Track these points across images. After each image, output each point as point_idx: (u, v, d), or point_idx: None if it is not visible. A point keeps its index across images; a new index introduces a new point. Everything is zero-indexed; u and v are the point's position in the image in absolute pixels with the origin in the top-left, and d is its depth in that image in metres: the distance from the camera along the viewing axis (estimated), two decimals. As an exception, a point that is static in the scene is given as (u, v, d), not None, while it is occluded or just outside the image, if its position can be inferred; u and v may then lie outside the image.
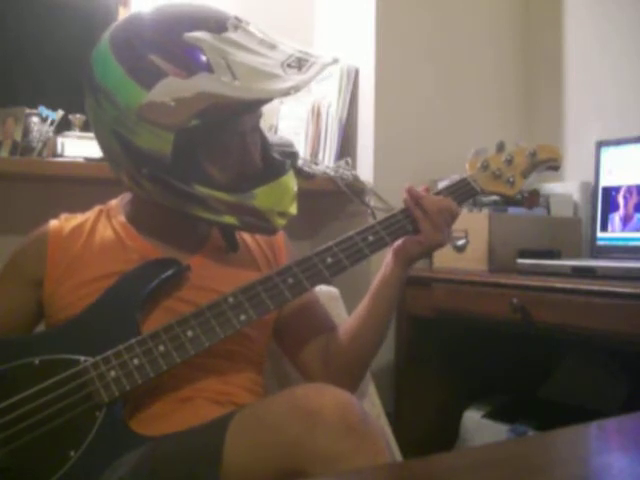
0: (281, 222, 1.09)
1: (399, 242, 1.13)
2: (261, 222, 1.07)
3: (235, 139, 1.06)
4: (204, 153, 1.04)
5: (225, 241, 1.16)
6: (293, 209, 1.10)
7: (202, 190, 1.03)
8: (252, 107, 1.05)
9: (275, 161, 1.11)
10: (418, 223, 1.10)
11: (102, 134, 1.06)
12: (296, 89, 0.99)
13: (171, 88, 0.97)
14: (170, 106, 0.97)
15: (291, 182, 1.09)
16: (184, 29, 0.99)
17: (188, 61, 0.98)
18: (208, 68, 0.98)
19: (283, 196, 1.08)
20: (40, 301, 1.09)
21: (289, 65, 1.00)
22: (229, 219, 1.06)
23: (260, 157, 1.10)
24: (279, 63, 1.00)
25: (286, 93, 0.99)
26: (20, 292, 1.09)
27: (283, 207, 1.07)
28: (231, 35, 1.01)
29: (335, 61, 1.08)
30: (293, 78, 0.99)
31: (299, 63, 1.01)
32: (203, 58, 0.98)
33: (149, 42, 1.00)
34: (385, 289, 1.15)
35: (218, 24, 1.02)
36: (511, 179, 1.19)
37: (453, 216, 1.12)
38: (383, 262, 1.16)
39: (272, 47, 1.03)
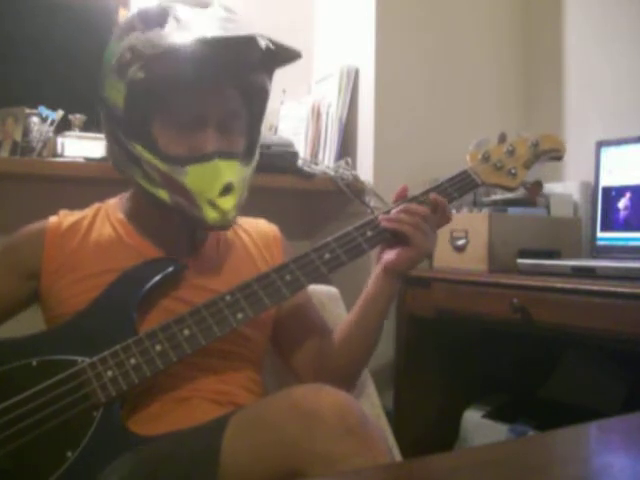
0: (213, 215, 1.03)
1: (389, 258, 1.09)
2: (192, 207, 1.03)
3: (189, 115, 1.04)
4: (155, 118, 1.04)
5: (194, 243, 1.14)
6: (225, 203, 1.03)
7: (140, 150, 1.04)
8: (164, 55, 1.00)
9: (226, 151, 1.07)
10: (409, 239, 1.06)
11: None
12: (200, 40, 0.97)
13: (131, 41, 1.02)
14: (125, 57, 1.01)
15: (226, 170, 1.04)
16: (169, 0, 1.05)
17: (152, 19, 1.03)
18: (162, 25, 1.01)
19: (213, 181, 1.03)
20: (34, 293, 1.09)
21: (220, 27, 1.01)
22: (162, 194, 1.05)
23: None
24: (216, 25, 1.02)
25: (189, 42, 0.97)
26: (9, 279, 1.10)
27: (212, 194, 1.03)
28: (204, 10, 1.05)
29: (292, 53, 1.07)
30: (208, 32, 0.99)
31: (232, 28, 1.02)
32: (164, 18, 1.02)
33: (141, 10, 1.07)
34: (374, 303, 1.12)
35: (200, 3, 1.06)
36: (513, 170, 1.16)
37: (444, 214, 1.09)
38: (371, 276, 1.13)
39: (227, 21, 1.04)
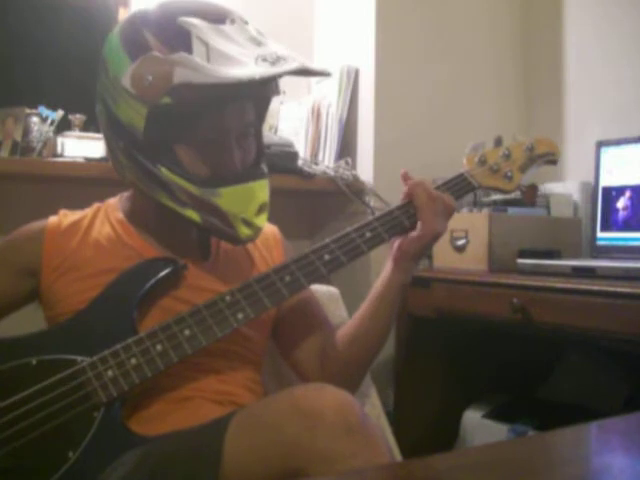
0: (247, 232, 1.05)
1: (396, 247, 1.11)
2: (225, 227, 1.04)
3: (216, 135, 1.03)
4: (179, 140, 1.03)
5: (199, 245, 1.15)
6: (260, 220, 1.06)
7: (166, 174, 1.02)
8: (212, 91, 0.99)
9: (252, 168, 1.08)
10: (420, 210, 1.08)
11: (97, 105, 1.08)
12: (251, 80, 0.95)
13: (150, 62, 0.98)
14: (147, 80, 0.98)
15: (260, 191, 1.06)
16: (182, 14, 1.01)
17: (173, 40, 0.99)
18: (188, 49, 0.98)
19: (249, 203, 1.04)
20: (33, 292, 1.09)
21: (264, 59, 0.98)
22: (192, 214, 1.04)
23: (250, 163, 1.08)
24: (255, 55, 0.99)
25: (238, 81, 0.95)
26: (7, 276, 1.10)
27: (248, 214, 1.04)
28: (224, 27, 1.02)
29: (325, 74, 1.07)
30: (258, 70, 0.96)
31: (276, 59, 0.98)
32: (187, 40, 0.99)
33: (146, 19, 1.03)
34: (386, 296, 1.12)
35: (217, 17, 1.03)
36: (509, 174, 1.18)
37: (447, 206, 1.10)
38: (383, 269, 1.14)
39: (259, 44, 1.02)
